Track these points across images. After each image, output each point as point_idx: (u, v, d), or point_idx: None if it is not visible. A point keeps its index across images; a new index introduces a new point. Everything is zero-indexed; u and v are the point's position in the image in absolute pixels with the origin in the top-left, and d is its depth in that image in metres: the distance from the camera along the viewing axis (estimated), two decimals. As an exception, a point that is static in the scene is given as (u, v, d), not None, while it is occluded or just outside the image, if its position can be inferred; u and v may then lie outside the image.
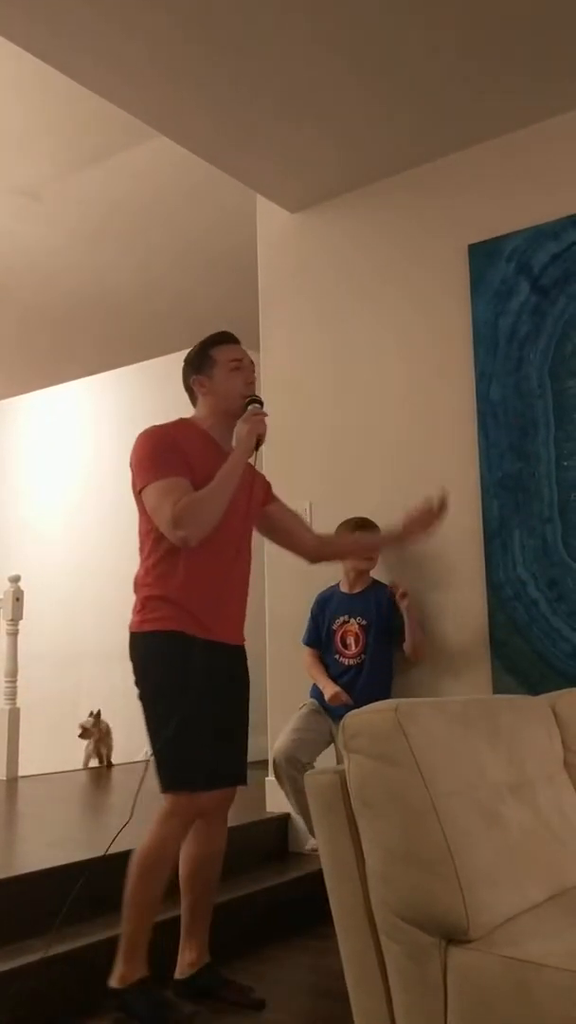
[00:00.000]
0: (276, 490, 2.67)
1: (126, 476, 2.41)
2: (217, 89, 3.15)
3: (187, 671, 2.25)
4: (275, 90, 3.16)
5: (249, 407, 2.43)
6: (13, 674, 4.86)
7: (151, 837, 2.24)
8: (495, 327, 3.37)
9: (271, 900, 2.97)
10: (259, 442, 2.39)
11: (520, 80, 3.15)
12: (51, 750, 5.56)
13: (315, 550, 2.70)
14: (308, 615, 3.51)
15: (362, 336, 3.76)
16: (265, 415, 2.44)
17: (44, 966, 2.23)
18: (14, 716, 4.81)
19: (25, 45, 2.92)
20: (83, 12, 2.76)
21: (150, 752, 2.24)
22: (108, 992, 2.19)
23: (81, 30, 2.84)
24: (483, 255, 3.43)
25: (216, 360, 2.48)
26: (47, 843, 3.13)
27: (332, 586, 3.50)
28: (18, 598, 4.99)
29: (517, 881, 1.59)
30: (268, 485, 2.64)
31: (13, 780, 4.69)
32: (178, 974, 2.38)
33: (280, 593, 3.82)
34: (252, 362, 2.54)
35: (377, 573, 3.46)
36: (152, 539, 2.35)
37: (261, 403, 2.45)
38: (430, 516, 2.66)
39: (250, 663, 2.51)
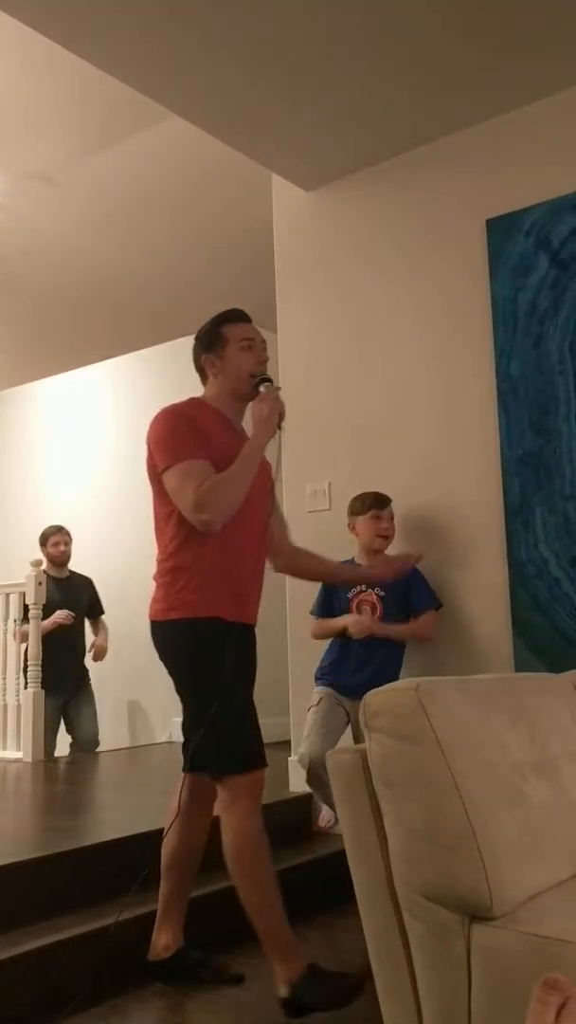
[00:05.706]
0: (294, 470, 2.64)
1: (144, 458, 2.37)
2: (230, 68, 3.11)
3: (223, 656, 2.21)
4: (288, 68, 3.12)
5: (261, 387, 2.36)
6: (37, 658, 4.89)
7: (230, 837, 2.19)
8: (514, 303, 3.33)
9: (294, 879, 2.97)
10: (280, 420, 2.33)
11: (534, 51, 3.09)
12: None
13: (287, 562, 2.61)
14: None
15: (380, 314, 3.73)
16: (279, 389, 2.38)
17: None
18: (38, 699, 4.85)
19: (34, 24, 2.90)
20: (94, -9, 2.74)
21: (176, 735, 2.22)
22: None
23: (92, 8, 2.81)
24: (501, 230, 3.38)
25: (227, 338, 2.41)
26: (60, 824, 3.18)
27: (346, 560, 3.48)
28: (40, 582, 5.02)
29: (540, 859, 1.59)
30: (270, 470, 2.50)
31: (39, 762, 4.73)
32: (152, 956, 2.34)
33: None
34: (264, 341, 2.46)
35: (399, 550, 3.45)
36: (175, 522, 2.29)
37: (271, 381, 2.39)
38: (403, 565, 2.96)
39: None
